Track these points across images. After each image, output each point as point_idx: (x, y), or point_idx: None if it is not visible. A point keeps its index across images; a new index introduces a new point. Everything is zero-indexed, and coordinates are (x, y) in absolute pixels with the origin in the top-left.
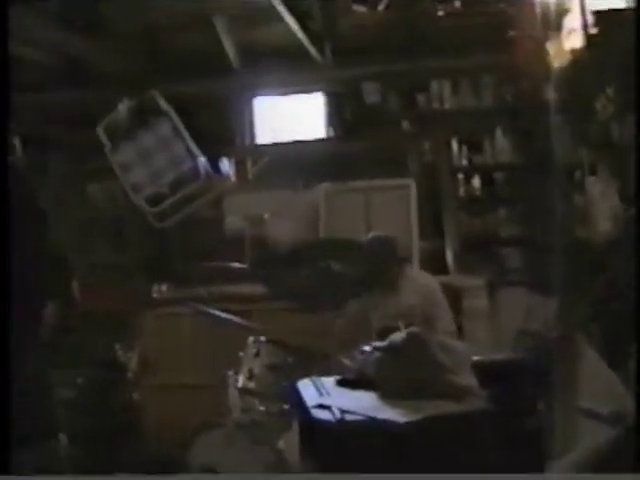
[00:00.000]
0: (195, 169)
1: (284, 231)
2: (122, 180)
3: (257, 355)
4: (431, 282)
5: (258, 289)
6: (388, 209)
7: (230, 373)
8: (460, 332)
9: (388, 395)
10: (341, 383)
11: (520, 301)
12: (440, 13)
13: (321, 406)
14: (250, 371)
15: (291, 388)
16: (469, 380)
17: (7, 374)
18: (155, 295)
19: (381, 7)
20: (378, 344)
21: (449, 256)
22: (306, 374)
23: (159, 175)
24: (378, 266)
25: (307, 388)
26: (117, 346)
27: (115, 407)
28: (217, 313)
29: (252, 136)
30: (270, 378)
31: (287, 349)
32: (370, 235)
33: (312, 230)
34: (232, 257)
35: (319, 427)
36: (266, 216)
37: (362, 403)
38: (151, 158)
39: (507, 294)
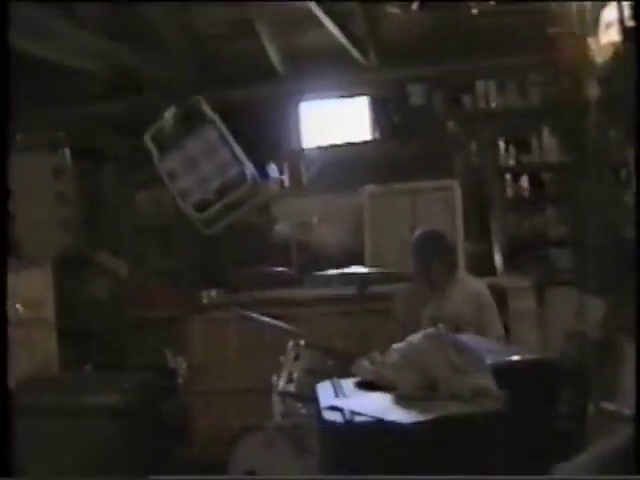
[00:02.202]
0: (241, 174)
1: (330, 235)
2: (170, 187)
3: (297, 359)
4: (481, 288)
5: (301, 293)
6: (433, 211)
7: (273, 377)
8: (507, 334)
9: (402, 396)
10: (360, 385)
11: (568, 302)
12: (474, 11)
13: (333, 408)
14: (290, 374)
15: (312, 390)
16: (484, 381)
17: (6, 374)
18: (204, 300)
19: (415, 7)
20: (397, 345)
21: (496, 257)
22: (345, 377)
23: (206, 182)
24: (427, 262)
25: (325, 390)
26: (167, 352)
27: (165, 412)
28: (261, 318)
29: (299, 141)
30: (309, 381)
31: (326, 352)
32: (418, 231)
33: (357, 234)
34: (279, 262)
35: (328, 428)
36: (314, 220)
37: (376, 405)
38: (198, 165)
39: (555, 295)
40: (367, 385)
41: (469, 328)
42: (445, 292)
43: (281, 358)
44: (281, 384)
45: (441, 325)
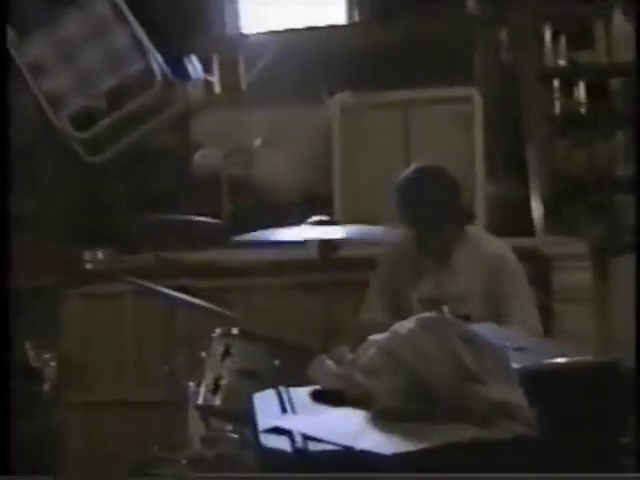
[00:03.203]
0: (145, 71)
1: (281, 169)
2: (33, 88)
3: (226, 356)
4: (506, 254)
5: (236, 257)
6: (438, 133)
7: (190, 384)
8: (548, 323)
9: (382, 413)
10: (319, 396)
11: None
12: None
13: (278, 430)
14: (215, 380)
15: (247, 404)
16: (508, 393)
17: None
18: (87, 266)
19: None
20: (376, 338)
21: (535, 208)
22: (298, 385)
23: (91, 80)
24: (424, 214)
25: (267, 403)
26: (28, 344)
27: (22, 434)
28: (173, 293)
29: (236, 21)
30: (244, 390)
31: (271, 346)
32: (412, 167)
33: (322, 167)
34: (202, 208)
35: (270, 461)
36: (256, 145)
37: (343, 426)
38: (78, 54)
39: (622, 265)
40: (330, 396)
41: (486, 314)
42: (450, 260)
43: (202, 355)
44: (202, 394)
45: (445, 308)
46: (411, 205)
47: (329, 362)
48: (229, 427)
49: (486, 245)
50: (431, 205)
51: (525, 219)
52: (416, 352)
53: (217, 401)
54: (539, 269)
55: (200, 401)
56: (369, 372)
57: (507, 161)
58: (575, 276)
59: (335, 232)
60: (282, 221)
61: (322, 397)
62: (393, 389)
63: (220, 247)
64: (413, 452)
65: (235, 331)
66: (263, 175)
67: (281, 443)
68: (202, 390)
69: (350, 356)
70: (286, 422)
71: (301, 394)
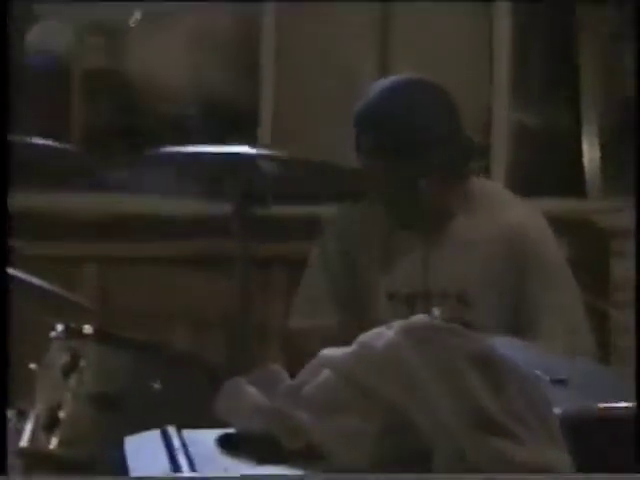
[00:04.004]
0: None
1: (173, 62)
2: None
3: (73, 370)
4: (531, 220)
5: (100, 204)
6: (434, 26)
7: (10, 413)
8: (604, 336)
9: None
10: (230, 443)
11: None
12: None
13: None
14: (52, 410)
15: (115, 454)
16: (554, 459)
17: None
18: None
19: None
20: (331, 353)
21: (587, 152)
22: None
23: None
24: (404, 157)
25: (146, 453)
26: None
27: None
28: None
29: None
30: (100, 427)
31: (149, 357)
32: (391, 78)
33: (240, 60)
34: (44, 124)
35: None
36: (132, 22)
37: None
38: None
39: None
40: (252, 446)
41: (501, 322)
42: (443, 233)
43: (31, 367)
44: (27, 431)
45: (435, 311)
46: (384, 134)
47: (250, 390)
48: None
49: (504, 210)
50: (417, 137)
51: (571, 170)
52: (399, 379)
53: (53, 444)
54: (590, 250)
55: (24, 443)
56: (319, 409)
57: (546, 76)
58: None
59: (265, 172)
60: (170, 148)
61: (237, 446)
62: (359, 438)
63: (67, 188)
64: None
65: (88, 330)
66: (140, 70)
67: None
68: (28, 425)
69: (287, 380)
70: None
71: (202, 440)
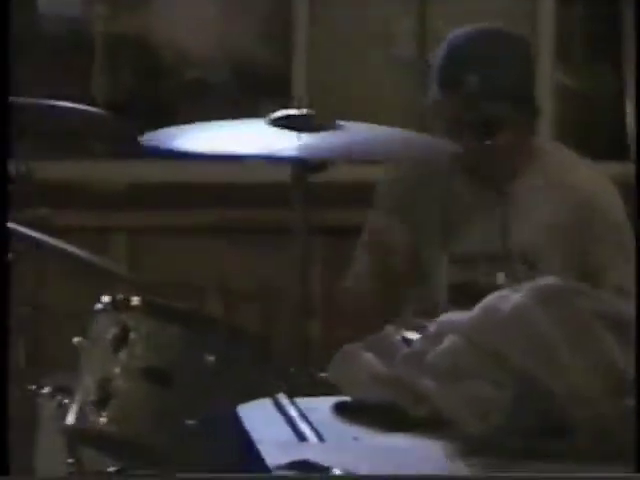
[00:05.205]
0: None
1: (199, 25)
2: None
3: (123, 344)
4: (596, 181)
5: (145, 172)
6: None
7: (45, 390)
8: None
9: (468, 448)
10: (344, 410)
11: None
12: None
13: (302, 464)
14: (102, 385)
15: (224, 420)
16: None
17: (6, 372)
18: None
19: None
20: (454, 317)
21: (631, 114)
22: (251, 392)
23: None
24: (486, 106)
25: (265, 420)
26: None
27: None
28: (23, 230)
29: None
30: (150, 403)
31: (203, 329)
32: (456, 32)
33: (273, 22)
34: (70, 88)
35: None
36: None
37: (408, 457)
38: None
39: None
40: (370, 414)
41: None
42: (509, 192)
43: (76, 341)
44: (73, 409)
45: (500, 276)
46: (490, 77)
47: (367, 357)
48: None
49: (570, 172)
50: (502, 86)
51: (614, 133)
52: (529, 342)
53: (103, 421)
54: (634, 214)
55: (71, 420)
56: (446, 376)
57: (590, 37)
58: None
59: (320, 140)
60: (205, 114)
61: (356, 414)
62: (489, 406)
63: (98, 157)
64: None
65: (137, 301)
66: (168, 35)
67: None
68: (75, 401)
69: (403, 348)
70: (308, 451)
71: (316, 407)
